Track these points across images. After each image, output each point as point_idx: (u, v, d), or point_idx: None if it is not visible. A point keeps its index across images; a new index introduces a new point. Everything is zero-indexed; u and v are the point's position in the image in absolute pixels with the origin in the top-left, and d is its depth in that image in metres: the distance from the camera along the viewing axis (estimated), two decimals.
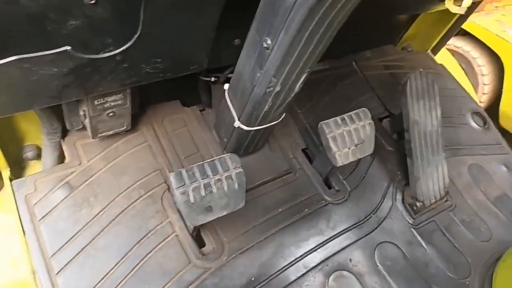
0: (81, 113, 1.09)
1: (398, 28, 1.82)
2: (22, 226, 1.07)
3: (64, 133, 1.21)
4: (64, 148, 1.20)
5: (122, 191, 1.18)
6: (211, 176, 1.00)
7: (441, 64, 1.89)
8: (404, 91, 1.38)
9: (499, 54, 2.89)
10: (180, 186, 0.96)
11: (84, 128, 1.19)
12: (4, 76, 0.77)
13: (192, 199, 0.97)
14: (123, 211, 1.15)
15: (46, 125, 1.13)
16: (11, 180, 1.14)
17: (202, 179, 0.99)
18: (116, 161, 1.22)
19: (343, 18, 0.82)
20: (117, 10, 0.82)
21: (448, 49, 2.79)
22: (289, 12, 0.77)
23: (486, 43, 2.92)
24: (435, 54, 1.95)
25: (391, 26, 1.78)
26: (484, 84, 3.11)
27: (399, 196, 1.42)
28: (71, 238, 1.07)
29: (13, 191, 1.11)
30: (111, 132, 1.19)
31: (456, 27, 1.82)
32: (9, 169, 1.17)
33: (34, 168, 1.27)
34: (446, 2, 0.72)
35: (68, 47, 0.78)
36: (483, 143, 1.68)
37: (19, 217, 1.08)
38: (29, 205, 1.09)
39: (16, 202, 1.09)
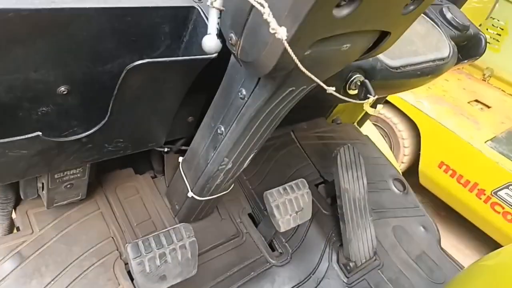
0: (39, 185, 1.13)
1: (329, 105, 2.09)
2: None
3: (17, 202, 1.23)
4: (16, 217, 1.22)
5: (74, 260, 1.20)
6: (166, 246, 1.08)
7: (366, 135, 2.17)
8: (335, 162, 1.59)
9: (415, 122, 3.31)
10: (137, 257, 1.03)
11: (37, 197, 1.22)
12: None
13: (147, 269, 1.04)
14: (74, 280, 1.16)
15: (1, 196, 1.14)
16: None
17: (157, 249, 1.07)
18: (68, 230, 1.25)
19: (286, 112, 0.99)
20: (86, 100, 0.93)
21: (373, 115, 3.17)
22: (240, 109, 0.93)
23: (404, 111, 3.35)
24: (360, 125, 2.24)
25: (323, 103, 2.04)
26: (404, 146, 3.51)
27: (334, 257, 1.58)
28: None
29: None
30: (65, 202, 1.23)
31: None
32: None
33: None
34: (364, 106, 0.92)
35: (39, 133, 0.85)
36: (403, 206, 1.92)
37: None
38: None
39: None
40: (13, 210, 1.22)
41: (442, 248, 1.83)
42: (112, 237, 1.29)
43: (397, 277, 1.64)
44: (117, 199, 1.38)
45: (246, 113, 0.93)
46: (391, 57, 1.12)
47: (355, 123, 2.24)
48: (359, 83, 1.07)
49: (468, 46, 1.46)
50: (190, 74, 0.96)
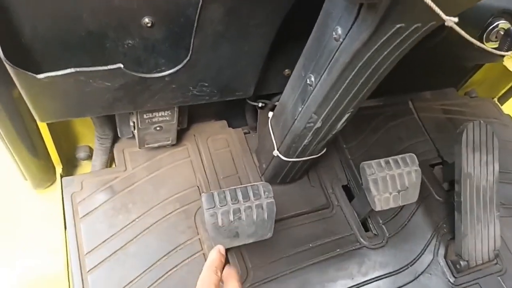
0: (131, 123, 1.16)
1: (462, 72, 1.73)
2: (64, 221, 1.15)
3: (115, 139, 1.29)
4: (114, 153, 1.28)
5: (159, 202, 1.22)
6: (242, 202, 1.01)
7: (508, 114, 1.75)
8: (459, 140, 1.30)
9: None
10: (210, 208, 0.98)
11: (132, 137, 1.26)
12: (61, 85, 0.84)
13: (220, 222, 0.98)
14: (157, 221, 1.19)
15: (99, 130, 1.21)
16: (61, 176, 1.23)
17: (232, 204, 1.00)
18: (158, 173, 1.28)
19: (392, 64, 0.80)
20: (170, 35, 0.87)
21: None
22: (334, 53, 0.77)
23: None
24: (502, 103, 1.82)
25: (455, 70, 1.70)
26: None
27: (441, 251, 1.33)
28: (105, 240, 1.13)
29: (61, 187, 1.20)
30: (156, 145, 1.25)
31: None
32: (61, 166, 1.26)
33: (84, 168, 1.36)
34: (505, 60, 0.67)
35: (121, 65, 0.83)
36: None
37: (63, 212, 1.16)
38: (74, 202, 1.17)
39: (62, 198, 1.18)
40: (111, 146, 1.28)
41: None
42: (198, 186, 1.27)
43: None
44: (208, 149, 1.36)
45: (339, 59, 0.76)
46: None
47: (496, 99, 1.83)
48: (502, 32, 0.80)
49: None
50: (277, 9, 0.83)
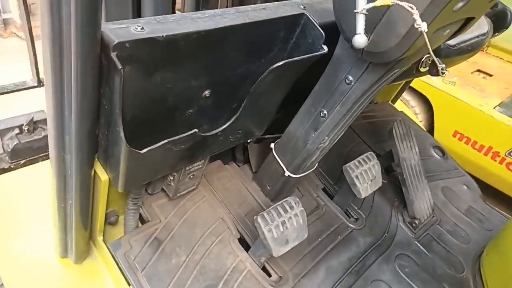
0: (170, 177, 1.33)
1: None
2: (126, 280, 1.25)
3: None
4: (144, 210, 1.42)
5: (198, 240, 1.40)
6: (284, 215, 1.29)
7: (401, 111, 2.40)
8: (392, 136, 1.81)
9: (427, 96, 3.55)
10: (266, 226, 1.24)
11: (158, 191, 1.42)
12: (153, 156, 1.02)
13: (275, 234, 1.25)
14: (203, 256, 1.37)
15: (135, 191, 1.34)
16: (105, 243, 1.32)
17: (279, 218, 1.28)
18: (186, 216, 1.45)
19: (381, 89, 1.20)
20: (220, 100, 1.13)
21: None
22: (346, 93, 1.14)
23: (416, 88, 3.58)
24: (393, 103, 2.47)
25: None
26: (419, 121, 3.75)
27: (400, 217, 1.81)
28: (169, 284, 1.27)
29: (110, 252, 1.29)
30: (185, 192, 1.43)
31: (408, 83, 2.36)
32: (103, 234, 1.35)
33: (112, 232, 1.44)
34: (442, 78, 1.14)
35: (196, 130, 1.06)
36: (446, 169, 2.15)
37: (122, 272, 1.26)
38: (129, 261, 1.28)
39: (117, 260, 1.27)
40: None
41: (485, 202, 2.07)
42: (222, 218, 1.49)
43: (454, 229, 1.87)
44: (217, 187, 1.59)
45: (351, 96, 1.14)
46: None
47: (390, 101, 2.47)
48: (429, 62, 1.29)
49: (496, 21, 1.69)
50: (300, 70, 1.17)
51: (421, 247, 1.73)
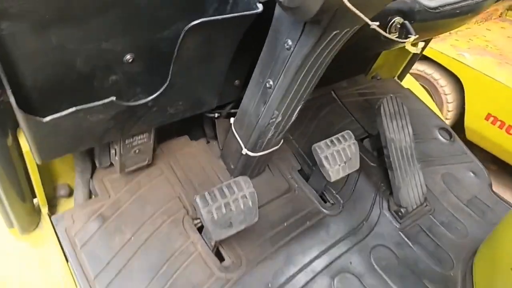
0: (112, 152, 1.27)
1: (367, 61, 2.10)
2: (65, 255, 1.21)
3: (92, 171, 1.38)
4: (94, 184, 1.37)
5: (148, 218, 1.33)
6: (229, 196, 1.19)
7: (407, 88, 2.17)
8: (379, 113, 1.63)
9: (458, 75, 3.22)
10: (205, 207, 1.15)
11: (109, 165, 1.36)
12: (63, 124, 0.94)
13: (215, 216, 1.15)
14: (150, 235, 1.30)
15: (80, 164, 1.29)
16: (49, 216, 1.28)
17: (222, 199, 1.18)
18: (139, 193, 1.39)
19: (329, 60, 1.05)
20: (149, 67, 1.03)
21: (413, 74, 3.12)
22: (287, 60, 1.00)
23: (445, 65, 3.26)
24: (401, 80, 2.24)
25: (362, 60, 2.06)
26: (448, 102, 3.43)
27: (385, 205, 1.64)
28: (108, 262, 1.22)
29: (53, 225, 1.26)
30: (134, 167, 1.36)
31: (416, 56, 2.12)
32: (47, 206, 1.32)
33: (64, 205, 1.41)
34: (406, 45, 0.96)
35: (113, 98, 0.97)
36: (450, 154, 1.93)
37: (61, 247, 1.22)
38: (70, 236, 1.24)
39: (57, 234, 1.24)
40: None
41: (494, 191, 1.83)
42: (178, 197, 1.41)
43: (449, 220, 1.67)
44: (178, 163, 1.50)
45: (292, 63, 0.99)
46: None
47: (395, 78, 2.24)
48: (399, 26, 1.11)
49: None
50: (237, 33, 1.04)
51: (405, 238, 1.56)
